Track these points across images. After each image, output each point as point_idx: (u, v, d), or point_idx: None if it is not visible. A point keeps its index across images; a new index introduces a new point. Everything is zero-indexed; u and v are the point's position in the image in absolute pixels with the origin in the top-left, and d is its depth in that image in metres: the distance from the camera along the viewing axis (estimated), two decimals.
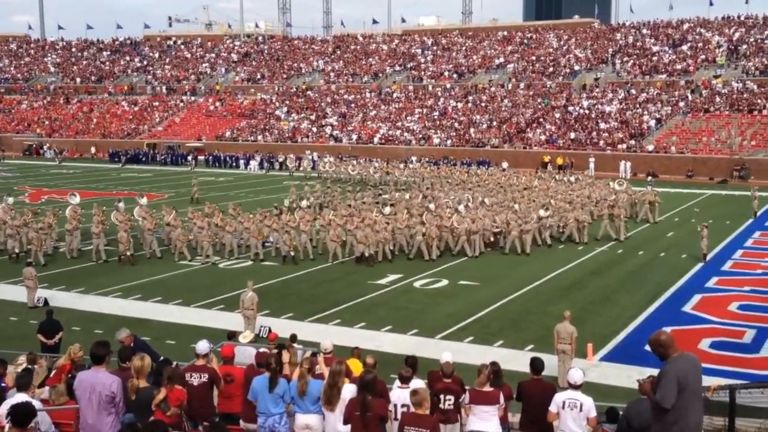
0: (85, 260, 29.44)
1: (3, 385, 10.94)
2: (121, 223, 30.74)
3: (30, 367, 12.39)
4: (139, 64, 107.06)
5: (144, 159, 76.85)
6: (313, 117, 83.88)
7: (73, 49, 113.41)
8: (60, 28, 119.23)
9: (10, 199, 37.19)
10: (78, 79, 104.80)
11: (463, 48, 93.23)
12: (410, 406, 8.97)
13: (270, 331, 18.79)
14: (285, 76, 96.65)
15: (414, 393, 8.67)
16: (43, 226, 30.31)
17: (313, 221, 31.41)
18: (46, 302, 22.76)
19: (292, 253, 28.77)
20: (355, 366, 11.33)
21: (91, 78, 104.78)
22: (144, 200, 37.51)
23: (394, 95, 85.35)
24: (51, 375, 12.56)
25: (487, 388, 9.78)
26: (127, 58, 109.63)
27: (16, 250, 29.60)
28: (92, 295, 24.41)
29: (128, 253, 28.82)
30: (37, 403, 9.57)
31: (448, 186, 46.26)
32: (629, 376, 14.99)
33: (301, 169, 64.91)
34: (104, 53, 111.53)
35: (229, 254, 29.67)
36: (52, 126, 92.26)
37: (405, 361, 10.60)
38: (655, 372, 7.91)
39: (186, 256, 29.39)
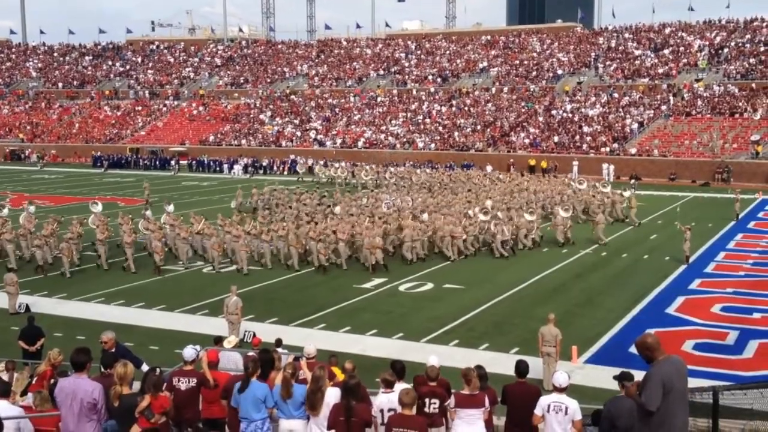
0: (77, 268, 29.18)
1: None
2: (154, 232, 29.67)
3: (6, 378, 12.24)
4: (121, 69, 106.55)
5: (125, 164, 76.42)
6: (297, 121, 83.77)
7: (55, 54, 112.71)
8: (42, 32, 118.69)
9: (32, 208, 35.94)
10: (60, 84, 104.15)
11: (447, 52, 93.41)
12: (396, 410, 8.93)
13: (254, 335, 18.71)
14: (269, 80, 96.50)
15: (407, 392, 8.65)
16: (72, 235, 29.00)
17: (351, 228, 30.16)
18: (27, 308, 22.57)
19: (326, 264, 27.99)
20: (336, 372, 11.29)
21: (73, 83, 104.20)
22: (171, 207, 36.06)
23: (378, 99, 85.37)
24: (33, 382, 12.45)
25: (474, 392, 9.76)
26: (110, 62, 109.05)
27: (42, 262, 28.23)
28: (74, 301, 24.24)
29: (161, 263, 27.80)
30: (18, 410, 9.47)
31: (394, 187, 46.96)
32: (614, 378, 15.02)
33: (311, 173, 63.75)
34: (86, 58, 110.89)
35: (263, 264, 28.72)
36: (34, 131, 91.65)
37: (391, 366, 10.57)
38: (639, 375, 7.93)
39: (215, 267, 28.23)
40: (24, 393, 12.14)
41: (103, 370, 10.13)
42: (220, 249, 28.57)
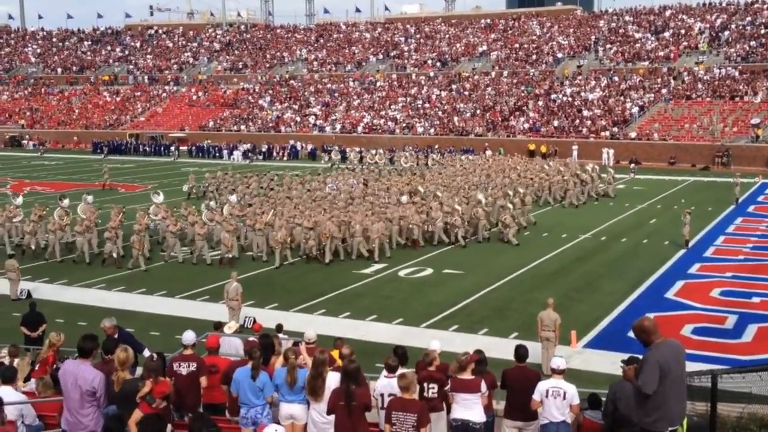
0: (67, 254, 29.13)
1: None
2: (222, 223, 28.60)
3: (7, 363, 12.28)
4: (120, 54, 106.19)
5: (125, 150, 76.23)
6: (296, 106, 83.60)
7: (54, 39, 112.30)
8: (40, 17, 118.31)
9: (90, 197, 35.16)
10: (59, 70, 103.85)
11: (447, 36, 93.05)
12: (397, 395, 8.99)
13: (255, 321, 18.79)
14: (268, 65, 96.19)
15: (402, 377, 8.71)
16: (140, 227, 27.71)
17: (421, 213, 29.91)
18: (29, 294, 22.66)
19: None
20: (335, 357, 11.34)
21: (73, 68, 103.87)
22: (234, 198, 35.04)
23: (378, 84, 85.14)
24: (36, 368, 12.51)
25: (468, 376, 9.80)
26: (109, 47, 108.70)
27: (114, 254, 26.98)
28: (75, 287, 24.30)
29: (230, 255, 26.92)
30: (20, 396, 9.54)
31: (340, 171, 48.19)
32: (613, 363, 15.07)
33: (345, 160, 62.07)
34: (85, 43, 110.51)
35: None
36: (33, 117, 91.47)
37: (394, 351, 10.63)
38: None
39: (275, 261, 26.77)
40: (27, 379, 12.21)
41: (104, 355, 10.20)
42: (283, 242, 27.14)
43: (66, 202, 33.57)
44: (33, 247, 28.81)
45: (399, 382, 8.67)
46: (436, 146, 66.27)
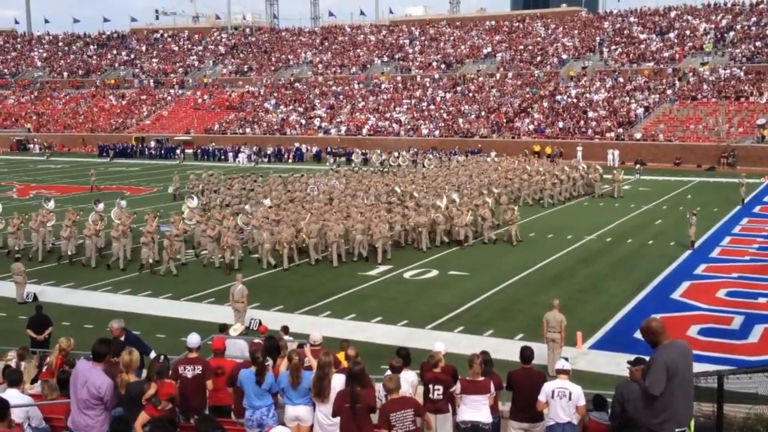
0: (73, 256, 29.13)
1: None
2: (260, 227, 27.92)
3: (12, 366, 12.31)
4: (126, 58, 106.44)
5: (131, 153, 76.35)
6: (301, 109, 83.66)
7: (60, 43, 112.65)
8: (46, 21, 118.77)
9: (123, 202, 34.92)
10: (65, 74, 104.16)
11: (451, 38, 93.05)
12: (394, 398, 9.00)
13: (260, 323, 18.82)
14: (273, 68, 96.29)
15: (390, 378, 8.73)
16: (177, 232, 27.53)
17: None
18: (35, 297, 22.71)
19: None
20: (341, 359, 11.34)
21: (78, 72, 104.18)
22: (268, 201, 34.26)
23: (382, 86, 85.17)
24: (43, 370, 12.54)
25: (478, 378, 9.82)
26: (114, 51, 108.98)
27: (151, 260, 26.41)
28: (82, 290, 24.36)
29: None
30: (26, 398, 9.56)
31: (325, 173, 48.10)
32: (618, 364, 15.06)
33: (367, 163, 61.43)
34: (91, 47, 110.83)
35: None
36: (40, 121, 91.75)
37: (397, 353, 10.63)
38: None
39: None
40: (34, 381, 12.24)
41: (110, 357, 10.22)
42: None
43: (101, 206, 33.28)
44: (70, 253, 28.18)
45: (387, 384, 8.67)
46: (456, 148, 66.18)
